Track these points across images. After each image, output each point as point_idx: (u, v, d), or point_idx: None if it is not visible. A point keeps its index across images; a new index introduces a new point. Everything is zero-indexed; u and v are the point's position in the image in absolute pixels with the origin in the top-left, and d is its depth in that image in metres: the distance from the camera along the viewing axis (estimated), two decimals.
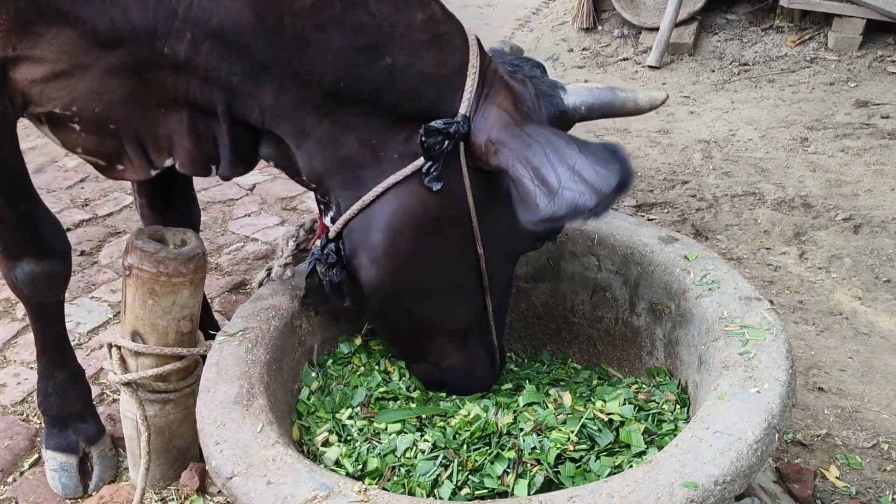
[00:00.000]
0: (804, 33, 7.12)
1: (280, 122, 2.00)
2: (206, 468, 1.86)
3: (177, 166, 2.13)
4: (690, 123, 5.98)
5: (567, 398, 2.19)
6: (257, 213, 4.39)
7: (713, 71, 6.92)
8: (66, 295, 3.64)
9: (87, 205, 4.50)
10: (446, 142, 1.93)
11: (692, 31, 7.20)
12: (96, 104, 1.98)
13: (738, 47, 7.19)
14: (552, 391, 2.29)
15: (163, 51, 1.90)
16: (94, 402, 2.95)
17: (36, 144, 5.15)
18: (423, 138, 1.92)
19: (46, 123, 2.08)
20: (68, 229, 4.21)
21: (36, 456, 2.80)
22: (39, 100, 1.97)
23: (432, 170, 1.96)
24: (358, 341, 2.47)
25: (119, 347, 2.43)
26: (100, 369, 3.17)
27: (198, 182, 4.93)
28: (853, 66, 6.68)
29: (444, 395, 2.36)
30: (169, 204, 2.65)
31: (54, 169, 4.88)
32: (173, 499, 2.56)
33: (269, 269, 2.44)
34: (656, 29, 7.13)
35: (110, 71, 1.94)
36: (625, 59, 7.20)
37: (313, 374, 2.32)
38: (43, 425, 2.78)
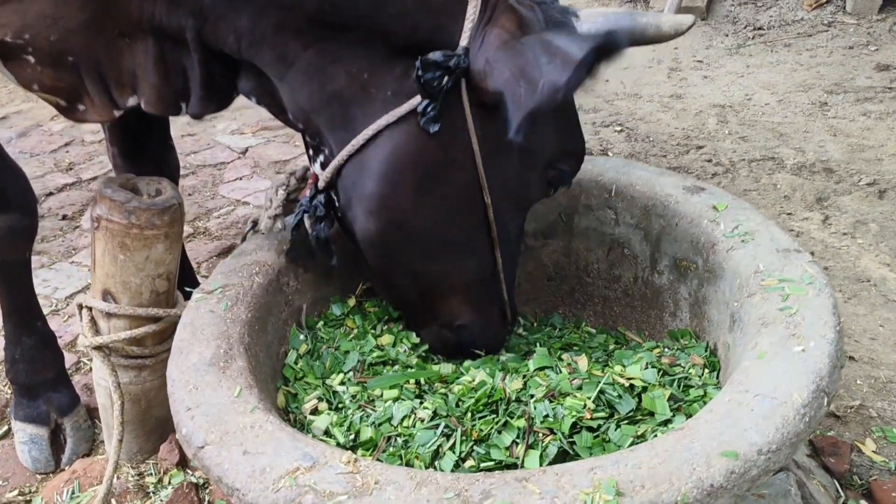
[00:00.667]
0: None
1: (259, 51, 1.77)
2: (177, 437, 1.65)
3: (142, 104, 1.91)
4: (704, 88, 5.73)
5: (583, 362, 1.97)
6: (249, 177, 4.16)
7: (727, 35, 6.65)
8: (46, 259, 3.45)
9: (71, 169, 4.28)
10: (445, 77, 1.70)
11: None
12: (51, 31, 1.76)
13: (752, 11, 6.92)
14: (565, 356, 2.07)
15: None
16: (71, 371, 2.76)
17: (21, 109, 4.94)
18: (420, 73, 1.69)
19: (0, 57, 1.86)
20: (51, 193, 4.00)
21: (6, 427, 2.60)
22: None
23: (429, 109, 1.73)
24: (352, 302, 2.25)
25: (90, 308, 2.21)
26: (77, 336, 2.95)
27: (187, 145, 4.78)
28: (873, 29, 6.40)
29: (444, 359, 2.14)
30: (144, 153, 2.42)
31: (39, 133, 4.65)
32: (151, 473, 2.35)
33: (256, 221, 2.22)
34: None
35: None
36: None
37: (302, 337, 2.10)
38: (12, 395, 2.57)
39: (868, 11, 6.55)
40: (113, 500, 2.27)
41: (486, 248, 1.96)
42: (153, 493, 2.30)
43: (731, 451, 1.41)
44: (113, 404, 2.19)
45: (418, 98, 1.74)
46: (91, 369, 2.82)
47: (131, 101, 1.92)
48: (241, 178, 4.14)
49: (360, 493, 1.39)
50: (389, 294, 2.20)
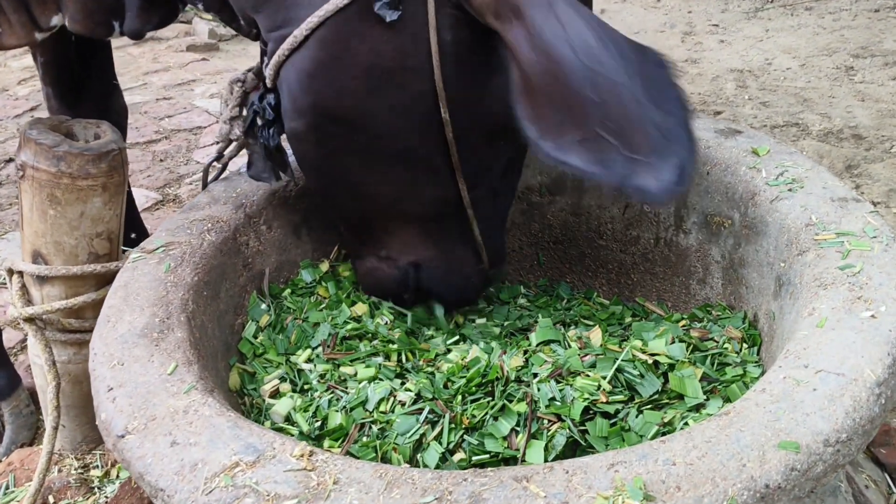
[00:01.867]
0: None
1: None
2: (97, 423, 1.34)
3: (67, 24, 1.59)
4: (721, 52, 5.37)
5: (596, 335, 1.65)
6: None
7: None
8: None
9: None
10: None
11: None
12: None
13: None
14: (574, 331, 1.75)
15: None
16: (16, 350, 2.45)
17: None
18: None
19: None
20: (10, 160, 3.67)
21: None
22: None
23: None
24: (324, 267, 1.93)
25: (21, 273, 1.90)
26: None
27: (163, 109, 4.43)
28: None
29: (430, 335, 1.83)
30: (83, 93, 2.10)
31: (3, 98, 4.34)
32: (97, 465, 2.05)
33: (219, 156, 1.90)
34: None
35: None
36: None
37: (263, 307, 1.78)
38: None
39: None
40: (50, 497, 1.96)
41: (442, 174, 1.60)
42: (98, 488, 1.99)
43: (791, 443, 1.09)
44: (48, 384, 1.87)
45: None
46: None
47: (55, 20, 1.62)
48: (217, 143, 3.80)
49: (313, 497, 1.08)
50: (328, 211, 1.89)
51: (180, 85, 4.49)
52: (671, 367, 1.54)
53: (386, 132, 1.53)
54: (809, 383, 1.18)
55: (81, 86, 2.08)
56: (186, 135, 3.90)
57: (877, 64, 5.03)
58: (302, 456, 1.15)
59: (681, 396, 1.49)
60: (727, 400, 1.48)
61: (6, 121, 4.05)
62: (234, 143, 1.85)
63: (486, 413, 1.46)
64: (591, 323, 1.88)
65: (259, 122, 1.72)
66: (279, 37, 1.48)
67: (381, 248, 1.76)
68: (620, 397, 1.48)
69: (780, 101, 4.63)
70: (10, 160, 3.64)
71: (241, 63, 4.89)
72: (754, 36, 5.59)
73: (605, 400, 1.47)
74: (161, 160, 3.58)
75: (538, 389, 1.49)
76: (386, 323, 1.77)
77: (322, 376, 1.63)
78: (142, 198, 3.23)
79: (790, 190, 1.63)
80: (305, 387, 1.63)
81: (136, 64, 4.87)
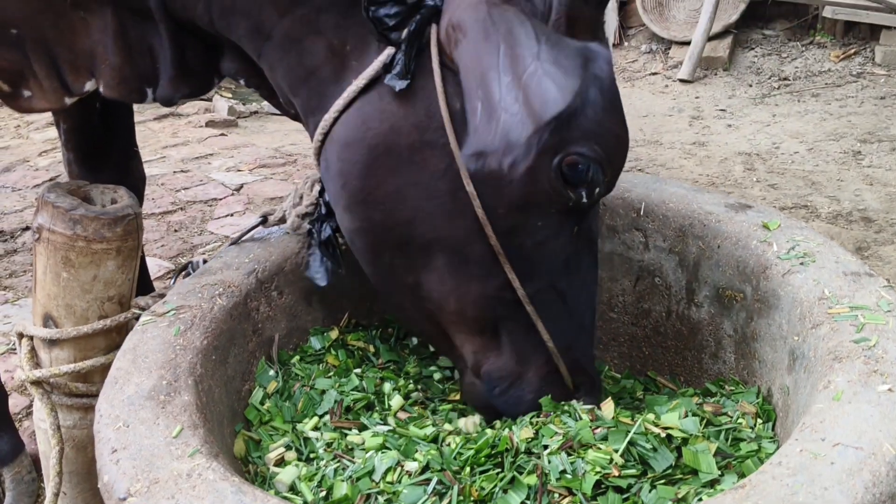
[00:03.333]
0: (848, 48, 6.61)
1: (231, 22, 1.50)
2: (98, 486, 1.32)
3: (101, 89, 1.64)
4: (728, 136, 5.45)
5: (608, 407, 1.62)
6: (241, 213, 3.86)
7: (750, 85, 6.40)
8: (11, 295, 3.15)
9: None
10: (405, 16, 1.38)
11: (727, 45, 6.71)
12: None
13: (776, 62, 6.69)
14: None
15: None
16: (21, 416, 2.43)
17: (9, 145, 4.73)
18: (367, 5, 1.36)
19: None
20: (27, 228, 3.72)
21: None
22: None
23: (396, 61, 1.40)
24: (334, 335, 1.92)
25: (31, 337, 1.90)
26: None
27: (179, 181, 4.49)
28: None
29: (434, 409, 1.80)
30: (104, 160, 2.13)
31: (24, 168, 4.42)
32: None
33: (266, 217, 1.88)
34: (687, 43, 6.66)
35: None
36: (654, 74, 6.70)
37: (272, 373, 1.77)
38: None
39: None
40: None
41: (486, 263, 1.48)
42: None
43: None
44: (51, 449, 1.85)
45: (386, 54, 1.41)
46: None
47: (88, 86, 1.66)
48: (232, 215, 3.85)
49: None
50: (398, 317, 1.86)
51: (198, 158, 4.57)
52: (685, 441, 1.51)
53: (417, 217, 1.46)
54: (827, 456, 1.16)
55: (103, 152, 2.12)
56: (202, 206, 3.96)
57: (884, 149, 5.08)
58: None
59: (695, 472, 1.46)
60: (742, 475, 1.44)
61: (25, 190, 4.12)
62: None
63: (496, 485, 1.43)
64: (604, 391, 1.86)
65: (309, 220, 1.73)
66: (315, 122, 1.51)
67: (455, 355, 1.65)
68: (633, 471, 1.44)
69: (789, 183, 4.67)
70: (27, 228, 3.68)
71: (259, 139, 5.00)
72: (761, 121, 5.68)
73: (617, 474, 1.44)
74: (175, 230, 3.61)
75: (549, 462, 1.45)
76: (395, 389, 1.75)
77: (329, 445, 1.60)
78: (154, 266, 3.26)
79: (802, 264, 1.62)
80: (311, 455, 1.60)
81: (155, 138, 4.98)
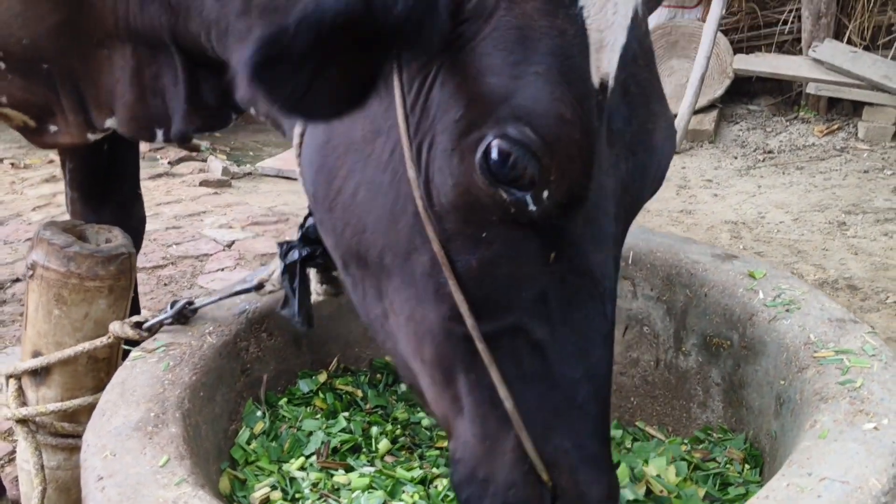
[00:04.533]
0: (832, 124, 6.77)
1: (227, 45, 1.52)
2: None
3: (116, 125, 1.68)
4: (715, 205, 5.53)
5: None
6: (231, 268, 3.88)
7: (736, 157, 6.52)
8: None
9: None
10: None
11: (712, 119, 6.87)
12: (23, 33, 1.59)
13: (761, 136, 6.84)
14: None
15: None
16: (2, 462, 2.40)
17: (3, 199, 4.78)
18: None
19: None
20: (17, 280, 3.73)
21: None
22: None
23: None
24: (322, 378, 1.92)
25: (18, 378, 1.89)
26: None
27: (171, 237, 4.52)
28: (887, 155, 6.28)
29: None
30: (107, 200, 2.16)
31: (17, 222, 4.45)
32: None
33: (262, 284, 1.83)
34: (674, 116, 6.80)
35: None
36: None
37: (259, 413, 1.77)
38: None
39: (881, 138, 6.46)
40: None
41: (432, 275, 1.18)
42: None
43: None
44: (33, 490, 1.82)
45: None
46: None
47: (109, 122, 1.73)
48: (222, 269, 3.87)
49: None
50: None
51: (191, 216, 4.61)
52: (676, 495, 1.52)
53: (369, 220, 1.25)
54: (814, 490, 1.16)
55: (106, 193, 2.15)
56: (192, 261, 3.97)
57: (868, 220, 5.17)
58: None
59: None
60: None
61: (17, 244, 4.14)
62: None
63: None
64: None
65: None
66: (298, 133, 1.43)
67: (438, 419, 1.31)
68: None
69: (775, 251, 4.73)
70: (17, 280, 3.68)
71: (252, 199, 5.04)
72: (747, 191, 5.77)
73: None
74: (165, 284, 3.62)
75: None
76: (380, 433, 1.74)
77: (314, 485, 1.59)
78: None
79: (788, 311, 1.65)
80: (297, 495, 1.58)
81: (150, 196, 5.02)
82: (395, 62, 1.12)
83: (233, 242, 4.21)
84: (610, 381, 1.26)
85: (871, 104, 6.49)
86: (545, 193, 1.08)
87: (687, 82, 6.69)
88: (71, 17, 1.61)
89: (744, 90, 7.26)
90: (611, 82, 1.12)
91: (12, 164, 5.48)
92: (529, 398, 1.17)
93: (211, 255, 4.06)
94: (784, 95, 7.21)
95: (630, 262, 1.95)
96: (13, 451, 2.49)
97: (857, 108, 6.67)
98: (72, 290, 1.79)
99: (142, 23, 1.58)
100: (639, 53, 1.18)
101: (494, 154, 1.07)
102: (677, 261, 1.90)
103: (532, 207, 1.09)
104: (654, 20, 7.17)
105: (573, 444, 1.17)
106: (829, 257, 4.66)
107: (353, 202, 1.26)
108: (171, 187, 5.19)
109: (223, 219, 4.49)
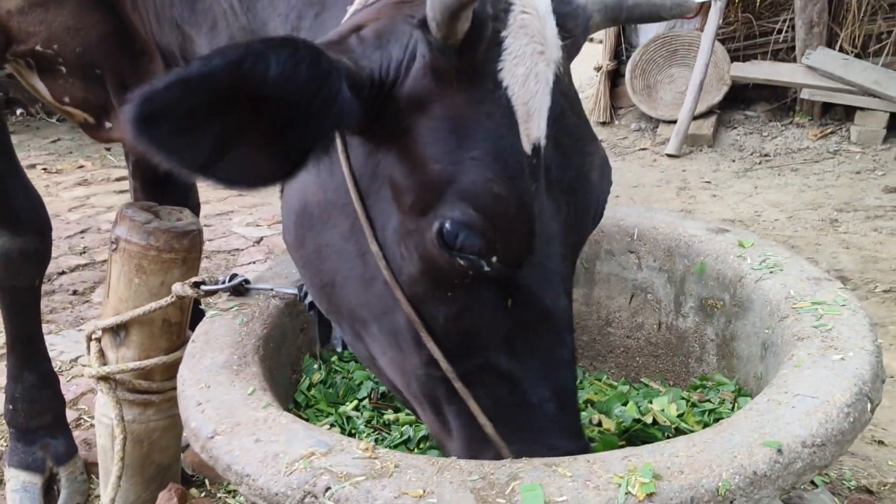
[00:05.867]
0: (825, 128, 7.05)
1: None
2: (185, 433, 1.57)
3: None
4: (714, 205, 5.80)
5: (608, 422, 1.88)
6: (262, 261, 4.16)
7: (734, 161, 6.80)
8: (54, 327, 3.40)
9: (84, 252, 4.31)
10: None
11: (711, 124, 7.14)
12: (76, 43, 1.86)
13: (758, 140, 7.11)
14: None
15: None
16: (71, 427, 2.65)
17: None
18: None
19: (36, 69, 1.93)
20: (63, 272, 4.00)
21: None
22: (19, 34, 1.84)
23: None
24: None
25: (99, 339, 2.15)
26: (80, 395, 2.87)
27: (203, 233, 4.78)
28: (878, 157, 6.55)
29: None
30: (166, 188, 2.43)
31: (56, 221, 4.68)
32: None
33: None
34: (673, 122, 7.08)
35: (82, 4, 1.80)
36: (643, 150, 7.11)
37: (315, 366, 2.03)
38: (6, 444, 2.46)
39: (872, 141, 6.73)
40: None
41: (409, 332, 1.37)
42: None
43: (774, 442, 1.32)
44: (114, 439, 2.09)
45: None
46: (91, 426, 2.71)
47: None
48: (254, 262, 4.15)
49: (378, 476, 1.30)
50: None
51: (219, 215, 4.88)
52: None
53: (340, 282, 1.42)
54: (789, 403, 1.42)
55: (165, 182, 2.43)
56: (225, 255, 4.25)
57: (859, 217, 5.43)
58: (367, 449, 1.37)
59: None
60: None
61: (59, 241, 4.41)
62: None
63: None
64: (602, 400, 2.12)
65: None
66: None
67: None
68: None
69: None
70: (63, 272, 3.95)
71: (276, 199, 5.27)
72: (744, 192, 6.04)
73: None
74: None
75: None
76: None
77: (368, 422, 1.86)
78: None
79: (771, 272, 1.92)
80: (353, 431, 1.85)
81: None
82: (339, 140, 1.30)
83: (261, 239, 4.49)
84: (576, 396, 1.48)
85: (862, 109, 6.77)
86: (494, 258, 1.27)
87: (686, 89, 6.99)
88: (114, 30, 1.87)
89: (741, 97, 7.55)
90: (543, 142, 1.28)
91: (45, 170, 5.78)
92: (507, 421, 1.38)
93: (242, 249, 4.34)
94: (779, 101, 7.48)
95: (635, 237, 2.22)
96: (79, 417, 2.76)
97: (849, 112, 6.95)
98: (151, 261, 2.05)
99: (161, 39, 1.83)
100: (565, 105, 1.33)
101: (446, 233, 1.24)
102: (677, 234, 2.17)
103: (486, 269, 1.28)
104: (654, 30, 7.47)
105: (541, 449, 1.37)
106: (822, 251, 4.92)
107: (323, 264, 1.44)
108: (199, 189, 5.48)
109: (250, 217, 4.77)
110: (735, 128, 7.33)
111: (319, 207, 1.41)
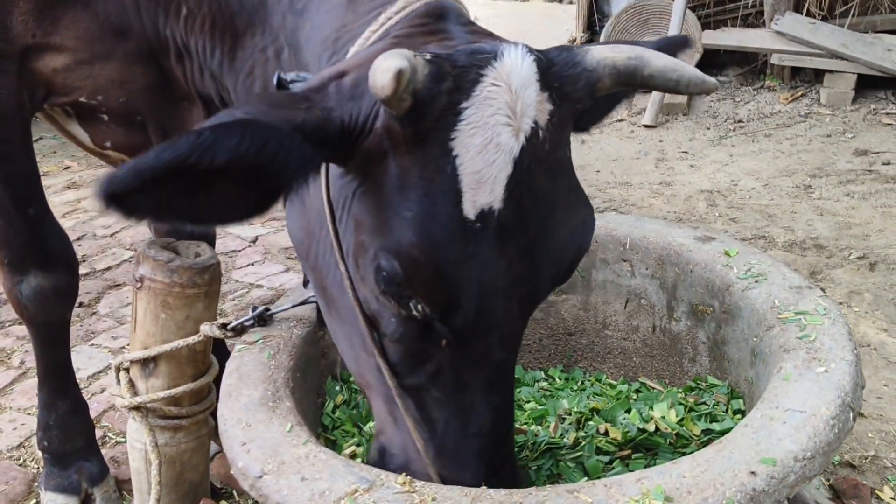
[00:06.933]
0: (796, 91, 7.21)
1: None
2: (232, 472, 1.70)
3: None
4: (692, 176, 5.96)
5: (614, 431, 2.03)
6: (261, 262, 4.27)
7: (709, 128, 6.96)
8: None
9: (84, 261, 4.38)
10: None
11: None
12: (120, 93, 1.95)
13: (731, 106, 7.26)
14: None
15: (165, 33, 1.87)
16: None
17: None
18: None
19: (75, 116, 2.04)
20: None
21: (34, 501, 2.60)
22: (63, 89, 1.94)
23: None
24: None
25: (127, 370, 2.27)
26: (101, 412, 2.99)
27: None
28: (848, 119, 6.73)
29: None
30: None
31: None
32: None
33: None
34: (649, 92, 7.20)
35: (128, 59, 1.89)
36: (620, 121, 7.24)
37: (337, 388, 2.17)
38: (41, 468, 2.59)
39: (841, 103, 6.90)
40: None
41: (368, 343, 1.56)
42: None
43: (770, 458, 1.48)
44: (150, 465, 2.22)
45: None
46: (117, 443, 2.84)
47: None
48: (252, 264, 4.26)
49: None
50: None
51: None
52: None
53: (327, 285, 1.63)
54: (780, 418, 1.58)
55: None
56: (223, 258, 4.35)
57: (832, 182, 5.62)
58: (405, 483, 1.52)
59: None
60: None
61: None
62: None
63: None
64: (603, 399, 2.28)
65: None
66: None
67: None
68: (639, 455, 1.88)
69: (748, 217, 5.17)
70: None
71: None
72: (720, 161, 6.21)
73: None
74: (214, 247, 4.02)
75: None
76: None
77: None
78: None
79: (757, 282, 2.07)
80: None
81: None
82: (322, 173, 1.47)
83: (256, 238, 4.59)
84: (506, 434, 1.60)
85: (831, 71, 6.93)
86: (419, 307, 1.39)
87: None
88: (157, 81, 1.98)
89: (713, 62, 7.69)
90: (497, 205, 1.34)
91: None
92: (437, 442, 1.55)
93: (239, 251, 4.44)
94: (750, 65, 7.63)
95: (627, 247, 2.37)
96: (104, 436, 2.88)
97: (818, 75, 7.12)
98: (175, 297, 2.17)
99: (202, 88, 1.96)
100: (536, 171, 1.37)
101: (377, 275, 1.39)
102: (666, 244, 2.31)
103: (414, 313, 1.40)
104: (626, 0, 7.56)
105: (460, 472, 1.55)
106: (797, 219, 5.10)
107: (317, 266, 1.63)
108: None
109: None
110: (708, 94, 7.47)
111: (316, 221, 1.59)
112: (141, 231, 4.59)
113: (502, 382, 1.54)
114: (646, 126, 7.02)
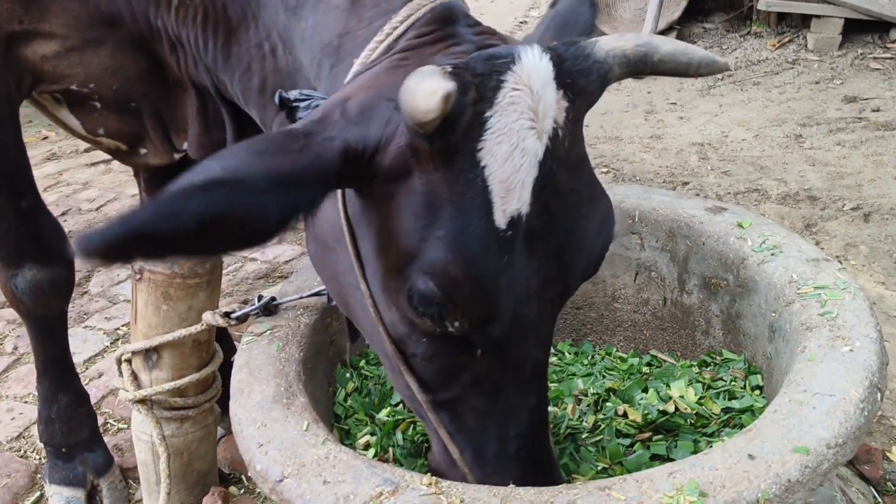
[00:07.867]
0: (783, 36, 7.13)
1: (248, 105, 1.82)
2: (249, 473, 1.66)
3: (188, 150, 2.00)
4: (682, 128, 5.90)
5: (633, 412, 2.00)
6: (261, 261, 4.18)
7: (696, 78, 6.87)
8: None
9: (71, 236, 4.26)
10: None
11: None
12: (113, 80, 1.88)
13: (718, 54, 7.16)
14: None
15: (157, 24, 1.79)
16: None
17: None
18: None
19: (66, 103, 1.95)
20: None
21: (38, 493, 2.57)
22: (53, 76, 1.86)
23: None
24: None
25: (129, 361, 2.22)
26: (101, 398, 2.94)
27: None
28: (836, 64, 6.67)
29: None
30: None
31: None
32: None
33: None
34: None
35: (121, 46, 1.81)
36: None
37: (347, 375, 2.13)
38: (44, 459, 2.55)
39: (829, 48, 6.83)
40: None
41: (395, 360, 1.52)
42: None
43: (803, 447, 1.46)
44: (158, 458, 2.18)
45: None
46: (119, 430, 2.80)
47: (186, 145, 2.01)
48: (253, 260, 4.16)
49: None
50: None
51: None
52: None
53: (348, 302, 1.58)
54: (810, 403, 1.55)
55: None
56: None
57: (822, 131, 5.58)
58: (430, 484, 1.48)
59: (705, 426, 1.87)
60: (741, 426, 1.85)
61: None
62: None
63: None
64: (614, 374, 2.25)
65: None
66: None
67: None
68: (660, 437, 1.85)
69: (740, 169, 5.13)
70: None
71: None
72: (710, 111, 6.14)
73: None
74: None
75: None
76: None
77: (398, 424, 1.97)
78: None
79: (772, 254, 2.03)
80: (394, 445, 1.96)
81: None
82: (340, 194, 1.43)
83: None
84: (544, 434, 1.58)
85: (817, 16, 6.85)
86: (457, 323, 1.36)
87: (646, 6, 6.98)
88: (149, 68, 1.91)
89: (699, 9, 7.58)
90: (525, 210, 1.32)
91: None
92: (475, 450, 1.54)
93: None
94: (736, 11, 7.52)
95: (637, 219, 2.32)
96: (105, 423, 2.83)
97: (805, 20, 7.03)
98: (177, 288, 2.11)
99: (196, 77, 1.88)
100: (559, 171, 1.35)
101: (412, 298, 1.35)
102: (677, 216, 2.26)
103: (451, 329, 1.37)
104: None
105: (500, 477, 1.52)
106: (789, 170, 5.06)
107: (336, 281, 1.59)
108: None
109: None
110: (695, 42, 7.37)
111: (332, 237, 1.54)
112: (128, 205, 4.49)
113: (539, 381, 1.53)
114: (633, 77, 6.92)
